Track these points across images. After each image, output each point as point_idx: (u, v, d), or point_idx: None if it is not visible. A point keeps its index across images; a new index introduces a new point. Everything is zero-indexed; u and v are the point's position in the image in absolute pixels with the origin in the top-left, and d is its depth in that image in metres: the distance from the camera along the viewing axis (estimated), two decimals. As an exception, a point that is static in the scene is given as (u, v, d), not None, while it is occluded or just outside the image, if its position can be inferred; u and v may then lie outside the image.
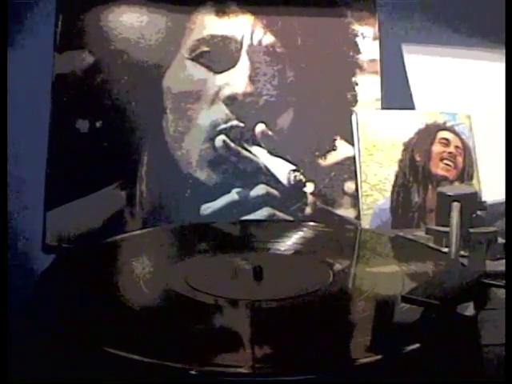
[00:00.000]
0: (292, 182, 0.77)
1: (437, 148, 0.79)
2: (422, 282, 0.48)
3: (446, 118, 0.80)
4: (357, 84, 0.80)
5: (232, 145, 0.77)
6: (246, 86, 0.79)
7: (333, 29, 0.81)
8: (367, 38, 0.81)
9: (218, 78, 0.79)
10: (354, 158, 0.78)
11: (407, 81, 0.83)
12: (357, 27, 0.81)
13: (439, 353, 0.42)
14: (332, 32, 0.81)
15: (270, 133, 0.78)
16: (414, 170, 0.77)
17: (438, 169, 0.78)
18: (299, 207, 0.77)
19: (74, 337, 0.43)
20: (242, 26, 0.80)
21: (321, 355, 0.42)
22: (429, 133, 0.79)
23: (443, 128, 0.80)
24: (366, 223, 0.75)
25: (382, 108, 0.80)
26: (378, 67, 0.81)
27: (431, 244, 0.61)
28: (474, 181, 0.78)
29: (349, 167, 0.78)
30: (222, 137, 0.77)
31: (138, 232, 0.69)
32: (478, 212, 0.59)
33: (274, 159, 0.78)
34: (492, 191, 0.76)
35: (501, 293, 0.49)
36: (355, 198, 0.77)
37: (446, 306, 0.45)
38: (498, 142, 0.75)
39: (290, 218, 0.76)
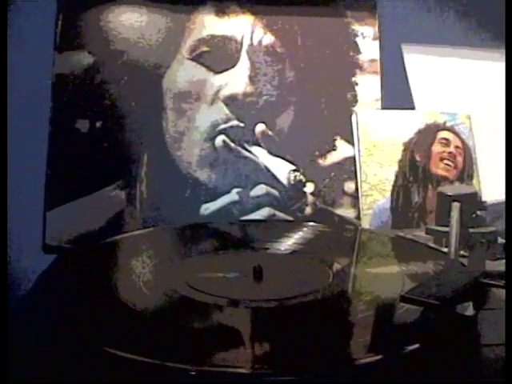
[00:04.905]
0: (292, 182, 0.77)
1: (437, 148, 0.79)
2: (421, 282, 0.48)
3: (446, 118, 0.80)
4: (357, 84, 0.80)
5: (232, 145, 0.77)
6: (246, 86, 0.79)
7: (333, 29, 0.81)
8: (367, 38, 0.81)
9: (218, 78, 0.79)
10: (354, 158, 0.78)
11: (407, 81, 0.83)
12: (357, 27, 0.81)
13: (439, 353, 0.42)
14: (332, 32, 0.81)
15: (270, 133, 0.78)
16: (414, 170, 0.77)
17: (438, 169, 0.78)
18: (299, 207, 0.77)
19: (73, 337, 0.43)
20: (242, 26, 0.80)
21: (321, 355, 0.42)
22: (429, 133, 0.79)
23: (443, 128, 0.80)
24: (365, 223, 0.75)
25: (382, 108, 0.80)
26: (378, 67, 0.81)
27: (431, 244, 0.61)
28: (474, 181, 0.78)
29: (349, 167, 0.78)
30: (222, 137, 0.77)
31: (138, 232, 0.69)
32: (478, 212, 0.59)
33: (274, 159, 0.78)
34: (492, 191, 0.76)
35: (501, 293, 0.49)
36: (355, 198, 0.77)
37: (446, 306, 0.45)
38: (497, 142, 0.75)
39: (290, 218, 0.76)
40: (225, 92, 0.78)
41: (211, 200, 0.76)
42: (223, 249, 0.61)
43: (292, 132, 0.79)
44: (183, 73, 0.78)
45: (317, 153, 0.79)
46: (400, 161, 0.78)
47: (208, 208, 0.76)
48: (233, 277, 0.55)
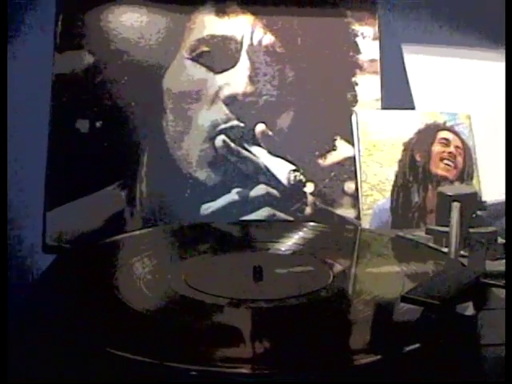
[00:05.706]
0: (292, 182, 0.77)
1: (437, 148, 0.79)
2: (421, 282, 0.48)
3: (446, 118, 0.80)
4: (357, 84, 0.80)
5: (232, 145, 0.77)
6: (246, 86, 0.79)
7: (333, 29, 0.81)
8: (367, 38, 0.81)
9: (218, 77, 0.79)
10: (354, 158, 0.78)
11: (407, 81, 0.83)
12: (357, 27, 0.81)
13: (439, 353, 0.42)
14: (332, 32, 0.81)
15: (270, 133, 0.78)
16: (414, 170, 0.78)
17: (438, 169, 0.78)
18: (299, 207, 0.77)
19: (73, 337, 0.43)
20: (242, 26, 0.80)
21: (321, 355, 0.42)
22: (429, 133, 0.79)
23: (443, 128, 0.80)
24: (365, 223, 0.75)
25: (382, 108, 0.80)
26: (378, 67, 0.81)
27: (431, 244, 0.61)
28: (474, 181, 0.78)
29: (349, 167, 0.78)
30: (222, 137, 0.77)
31: (138, 232, 0.69)
32: (478, 212, 0.59)
33: (274, 159, 0.78)
34: (492, 191, 0.76)
35: (501, 293, 0.49)
36: (355, 198, 0.77)
37: (446, 306, 0.45)
38: (497, 142, 0.75)
39: (290, 218, 0.76)
40: (225, 92, 0.78)
41: (211, 200, 0.76)
42: (223, 249, 0.61)
43: (292, 132, 0.79)
44: (183, 73, 0.78)
45: (317, 153, 0.79)
46: (400, 161, 0.78)
47: (208, 208, 0.76)
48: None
